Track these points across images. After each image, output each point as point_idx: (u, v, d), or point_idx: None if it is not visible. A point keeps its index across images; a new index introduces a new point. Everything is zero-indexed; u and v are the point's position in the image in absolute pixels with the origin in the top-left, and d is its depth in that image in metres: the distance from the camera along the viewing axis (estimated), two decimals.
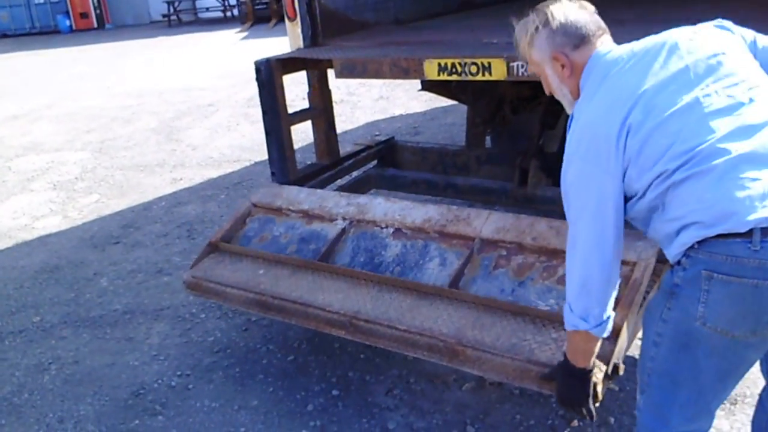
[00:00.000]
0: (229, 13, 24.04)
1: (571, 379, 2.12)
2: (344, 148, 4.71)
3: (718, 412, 2.86)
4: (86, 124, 9.61)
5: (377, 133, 7.84)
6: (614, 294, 1.95)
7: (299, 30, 4.26)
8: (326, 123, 4.45)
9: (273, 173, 4.14)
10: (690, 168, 1.70)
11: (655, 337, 1.90)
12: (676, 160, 1.71)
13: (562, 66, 1.99)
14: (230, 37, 19.08)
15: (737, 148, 1.68)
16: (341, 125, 8.39)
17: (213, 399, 3.29)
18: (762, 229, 1.62)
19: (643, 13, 4.30)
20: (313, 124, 4.46)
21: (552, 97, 2.10)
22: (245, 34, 19.33)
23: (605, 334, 1.99)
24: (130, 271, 4.77)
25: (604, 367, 2.32)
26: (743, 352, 1.80)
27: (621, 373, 2.43)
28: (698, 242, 1.72)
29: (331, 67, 3.90)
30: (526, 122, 4.49)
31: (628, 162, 1.78)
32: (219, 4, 24.01)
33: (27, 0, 25.61)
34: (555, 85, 2.06)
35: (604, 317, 1.94)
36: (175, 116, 9.62)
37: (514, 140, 4.84)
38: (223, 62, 14.02)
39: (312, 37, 4.29)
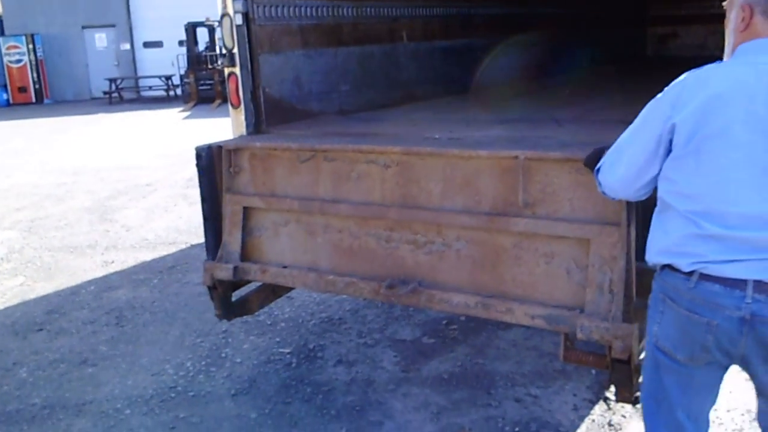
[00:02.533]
0: (172, 92, 24.08)
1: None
2: None
3: None
4: (17, 202, 9.30)
5: None
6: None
7: (243, 117, 4.25)
8: None
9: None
10: (696, 207, 1.94)
11: (644, 363, 2.28)
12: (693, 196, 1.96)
13: (742, 19, 2.00)
14: (173, 116, 19.06)
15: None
16: None
17: None
18: (701, 274, 1.93)
19: (582, 113, 4.45)
20: None
21: None
22: (188, 113, 19.35)
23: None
24: (52, 361, 4.50)
25: None
26: (692, 374, 2.08)
27: None
28: (660, 268, 2.07)
29: None
30: None
31: (682, 140, 1.94)
32: (162, 83, 24.05)
33: None
34: (727, 30, 2.11)
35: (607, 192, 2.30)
36: (111, 195, 9.41)
37: None
38: (164, 141, 13.93)
39: (255, 125, 4.28)
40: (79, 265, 6.50)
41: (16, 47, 24.48)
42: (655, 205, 2.15)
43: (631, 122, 2.21)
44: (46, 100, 25.15)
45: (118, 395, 4.03)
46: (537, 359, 4.22)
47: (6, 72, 24.66)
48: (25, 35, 24.50)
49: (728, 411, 3.54)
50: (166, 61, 24.61)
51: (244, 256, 3.79)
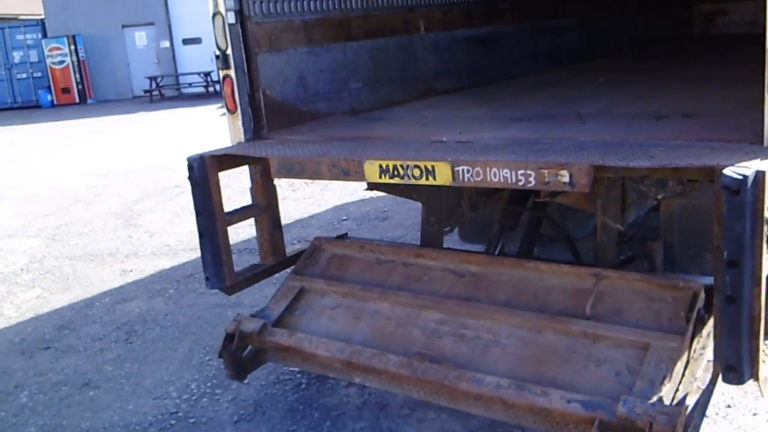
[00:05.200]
0: (211, 89, 24.04)
1: None
2: (309, 232, 4.36)
3: None
4: (46, 207, 9.24)
5: (345, 217, 7.53)
6: None
7: (240, 123, 3.96)
8: (270, 221, 4.09)
9: (207, 278, 3.77)
10: None
11: None
12: None
13: None
14: (210, 112, 18.96)
15: None
16: (309, 208, 8.10)
17: None
18: None
19: (610, 105, 4.03)
20: (256, 222, 4.11)
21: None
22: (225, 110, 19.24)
23: None
24: (54, 384, 4.31)
25: None
26: None
27: None
28: None
29: None
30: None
31: None
32: (201, 80, 24.06)
33: (9, 75, 25.65)
34: None
35: None
36: (139, 198, 9.29)
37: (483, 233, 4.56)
38: (198, 139, 13.74)
39: (254, 131, 4.00)
40: (98, 274, 6.33)
41: (58, 48, 24.80)
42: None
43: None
44: (89, 101, 25.46)
45: (116, 422, 3.81)
46: None
47: (49, 73, 25.02)
48: (67, 36, 24.80)
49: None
50: (206, 58, 24.56)
51: (277, 324, 3.62)
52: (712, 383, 2.61)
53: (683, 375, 2.58)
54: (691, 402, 2.53)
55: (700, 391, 2.64)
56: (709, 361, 2.63)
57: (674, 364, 2.56)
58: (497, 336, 2.97)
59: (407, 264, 3.55)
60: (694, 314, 2.65)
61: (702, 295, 2.69)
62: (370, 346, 3.22)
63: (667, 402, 2.48)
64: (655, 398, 2.49)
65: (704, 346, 2.71)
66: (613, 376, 2.67)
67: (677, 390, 2.54)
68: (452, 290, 3.30)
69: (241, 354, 3.61)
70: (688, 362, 2.61)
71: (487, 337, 2.99)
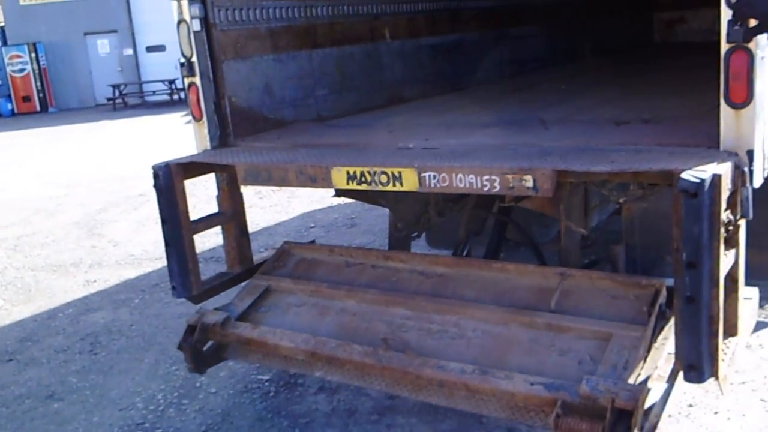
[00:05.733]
0: (176, 96, 23.83)
1: None
2: (276, 240, 4.36)
3: None
4: (6, 218, 9.07)
5: (312, 225, 7.52)
6: None
7: (206, 131, 3.95)
8: (237, 229, 4.07)
9: (173, 287, 3.74)
10: None
11: None
12: None
13: None
14: (175, 120, 18.80)
15: None
16: (276, 216, 8.08)
17: None
18: None
19: (573, 112, 4.10)
20: (222, 230, 4.09)
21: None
22: (190, 117, 19.09)
23: None
24: (17, 397, 4.24)
25: None
26: None
27: None
28: None
29: None
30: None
31: None
32: (165, 88, 23.83)
33: None
34: None
35: None
36: (103, 208, 9.16)
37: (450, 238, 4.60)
38: (164, 147, 13.63)
39: (221, 138, 3.99)
40: (61, 285, 6.24)
41: (18, 56, 24.37)
42: None
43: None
44: (50, 109, 25.04)
45: None
46: None
47: (9, 82, 24.56)
48: (28, 44, 24.38)
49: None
50: (170, 65, 24.34)
51: (241, 319, 3.60)
52: (674, 375, 2.67)
53: (645, 361, 2.63)
54: (652, 385, 2.58)
55: (662, 379, 2.70)
56: (669, 353, 2.69)
57: (636, 351, 2.62)
58: (463, 329, 3.02)
59: (376, 266, 3.58)
60: (656, 308, 2.73)
61: (664, 292, 2.77)
62: (334, 335, 3.25)
63: (629, 382, 2.55)
64: (618, 375, 2.56)
65: (666, 338, 2.77)
66: (576, 364, 2.72)
67: (639, 375, 2.59)
68: (420, 289, 3.34)
69: (201, 347, 3.60)
70: (649, 350, 2.67)
71: (453, 331, 3.02)
